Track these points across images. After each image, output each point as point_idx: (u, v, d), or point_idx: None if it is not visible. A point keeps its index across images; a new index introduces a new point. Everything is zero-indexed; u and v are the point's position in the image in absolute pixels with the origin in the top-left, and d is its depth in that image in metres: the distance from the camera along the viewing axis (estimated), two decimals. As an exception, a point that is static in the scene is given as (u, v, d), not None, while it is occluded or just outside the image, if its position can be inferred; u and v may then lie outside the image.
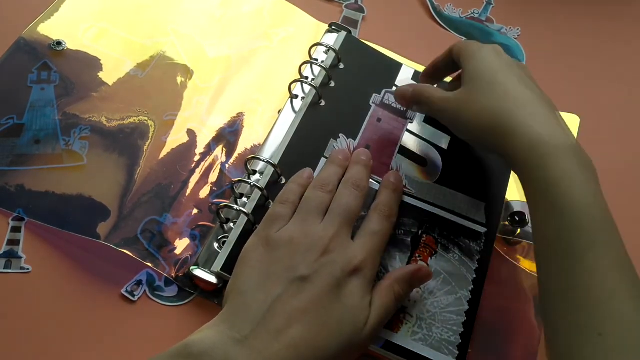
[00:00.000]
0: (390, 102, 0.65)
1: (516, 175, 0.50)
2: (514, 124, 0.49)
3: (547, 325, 0.45)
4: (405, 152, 0.62)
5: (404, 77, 0.67)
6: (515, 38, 0.78)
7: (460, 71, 0.58)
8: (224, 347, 0.43)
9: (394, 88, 0.66)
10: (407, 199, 0.59)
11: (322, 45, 0.68)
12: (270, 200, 0.57)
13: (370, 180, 0.58)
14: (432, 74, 0.63)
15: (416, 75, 0.68)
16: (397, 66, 0.69)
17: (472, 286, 0.56)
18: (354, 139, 0.62)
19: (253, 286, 0.47)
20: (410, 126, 0.64)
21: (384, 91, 0.66)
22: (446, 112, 0.55)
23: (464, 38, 0.77)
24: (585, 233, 0.44)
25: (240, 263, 0.50)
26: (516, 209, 0.63)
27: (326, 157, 0.60)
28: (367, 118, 0.64)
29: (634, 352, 0.40)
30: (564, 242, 0.44)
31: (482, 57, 0.55)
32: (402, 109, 0.65)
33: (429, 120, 0.65)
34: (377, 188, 0.58)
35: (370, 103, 0.65)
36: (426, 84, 0.62)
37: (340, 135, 0.62)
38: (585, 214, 0.44)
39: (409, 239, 0.57)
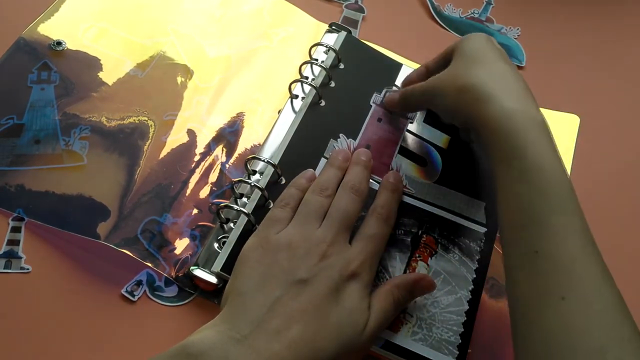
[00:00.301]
0: (391, 102, 0.65)
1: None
2: (489, 91, 0.51)
3: (511, 294, 0.45)
4: (405, 152, 0.62)
5: (405, 76, 0.67)
6: (515, 38, 0.78)
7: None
8: (223, 347, 0.43)
9: (394, 88, 0.66)
10: (407, 199, 0.59)
11: (322, 45, 0.68)
12: (270, 201, 0.57)
13: (371, 180, 0.58)
14: (418, 79, 0.63)
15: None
16: (397, 66, 0.69)
17: (472, 286, 0.56)
18: (354, 138, 0.62)
19: (252, 287, 0.47)
20: (410, 126, 0.64)
21: (384, 90, 0.66)
22: (437, 93, 0.56)
23: (464, 38, 0.77)
24: (551, 198, 0.45)
25: (240, 263, 0.50)
26: None
27: (326, 158, 0.60)
28: (368, 118, 0.64)
29: (596, 315, 0.40)
30: (529, 208, 0.45)
31: (472, 39, 0.57)
32: None
33: (429, 121, 0.65)
34: (377, 188, 0.58)
35: (371, 103, 0.65)
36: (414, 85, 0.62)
37: (341, 135, 0.62)
38: (552, 181, 0.45)
39: (409, 239, 0.57)
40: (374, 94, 0.65)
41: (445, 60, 0.58)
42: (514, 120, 0.48)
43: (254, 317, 0.45)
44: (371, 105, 0.65)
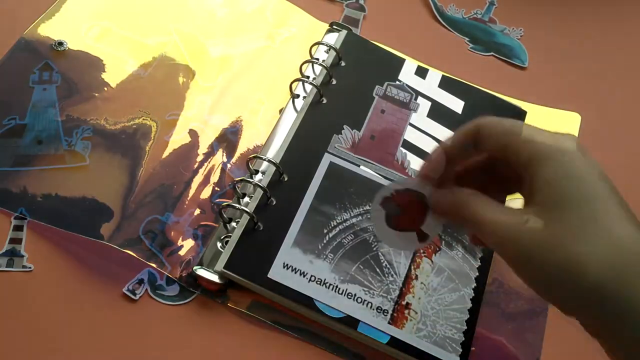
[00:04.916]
0: (393, 95, 0.65)
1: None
2: (628, 303, 0.34)
3: None
4: (409, 146, 0.62)
5: (407, 71, 0.67)
6: (518, 38, 0.78)
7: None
8: None
9: (397, 82, 0.66)
10: None
11: (322, 44, 0.68)
12: (272, 199, 0.57)
13: (374, 173, 0.58)
14: (439, 168, 0.43)
15: (419, 70, 0.69)
16: (400, 61, 0.69)
17: (475, 284, 0.56)
18: (359, 130, 0.62)
19: None
20: (414, 120, 0.64)
21: (385, 84, 0.66)
22: (513, 247, 0.38)
23: (467, 38, 0.77)
24: None
25: None
26: (517, 207, 0.62)
27: (330, 153, 0.60)
28: (371, 109, 0.64)
29: None
30: None
31: (563, 161, 0.37)
32: (405, 100, 0.65)
33: (432, 115, 0.65)
34: (379, 181, 0.58)
35: (374, 95, 0.65)
36: (468, 192, 0.41)
37: (345, 126, 0.62)
38: None
39: (413, 235, 0.57)
40: (376, 87, 0.65)
41: (471, 144, 0.42)
42: None
43: None
44: (374, 97, 0.65)
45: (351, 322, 0.53)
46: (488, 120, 0.41)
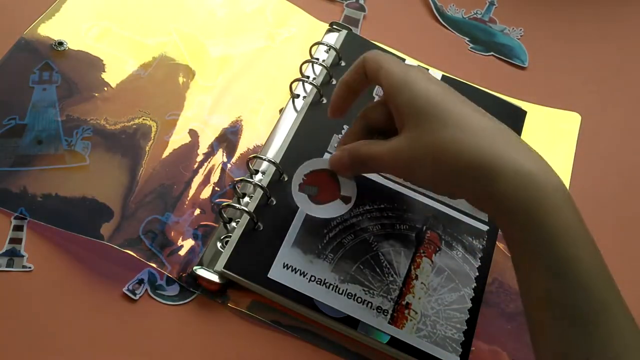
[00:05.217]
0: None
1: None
2: (495, 161, 0.42)
3: None
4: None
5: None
6: (518, 38, 0.78)
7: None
8: None
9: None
10: (411, 194, 0.59)
11: (322, 44, 0.68)
12: (272, 199, 0.57)
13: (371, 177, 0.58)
14: (345, 98, 0.53)
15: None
16: (400, 60, 0.69)
17: (475, 284, 0.56)
18: None
19: None
20: None
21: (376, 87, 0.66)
22: (400, 165, 0.47)
23: (467, 39, 0.77)
24: (595, 294, 0.40)
25: None
26: None
27: (330, 152, 0.60)
28: None
29: None
30: (571, 305, 0.40)
31: (415, 86, 0.46)
32: None
33: None
34: (378, 181, 0.58)
35: (374, 94, 0.65)
36: (357, 142, 0.51)
37: (345, 126, 0.62)
38: (592, 273, 0.40)
39: (413, 235, 0.57)
40: (377, 86, 0.66)
41: (363, 76, 0.50)
42: (537, 195, 0.40)
43: None
44: (375, 97, 0.65)
45: (351, 322, 0.53)
46: (369, 54, 0.50)
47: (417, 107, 0.45)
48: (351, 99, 0.53)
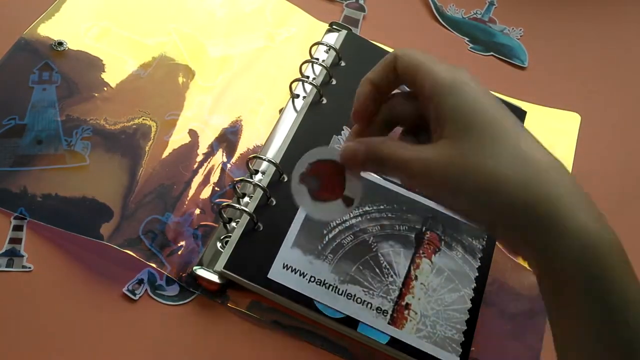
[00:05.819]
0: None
1: None
2: (560, 212, 0.36)
3: None
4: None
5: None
6: (517, 38, 0.78)
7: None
8: None
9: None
10: (411, 194, 0.59)
11: (322, 44, 0.68)
12: (272, 199, 0.57)
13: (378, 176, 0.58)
14: (372, 100, 0.45)
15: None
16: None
17: (475, 284, 0.56)
18: None
19: None
20: None
21: None
22: (427, 180, 0.40)
23: (467, 39, 0.77)
24: None
25: None
26: None
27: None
28: None
29: None
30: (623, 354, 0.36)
31: (466, 91, 0.40)
32: None
33: None
34: (378, 182, 0.58)
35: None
36: (377, 138, 0.44)
37: (345, 127, 0.62)
38: None
39: (413, 235, 0.57)
40: None
41: (393, 78, 0.44)
42: (596, 252, 0.36)
43: None
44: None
45: (351, 322, 0.53)
46: (404, 51, 0.43)
47: (466, 116, 0.39)
48: (378, 101, 0.45)
